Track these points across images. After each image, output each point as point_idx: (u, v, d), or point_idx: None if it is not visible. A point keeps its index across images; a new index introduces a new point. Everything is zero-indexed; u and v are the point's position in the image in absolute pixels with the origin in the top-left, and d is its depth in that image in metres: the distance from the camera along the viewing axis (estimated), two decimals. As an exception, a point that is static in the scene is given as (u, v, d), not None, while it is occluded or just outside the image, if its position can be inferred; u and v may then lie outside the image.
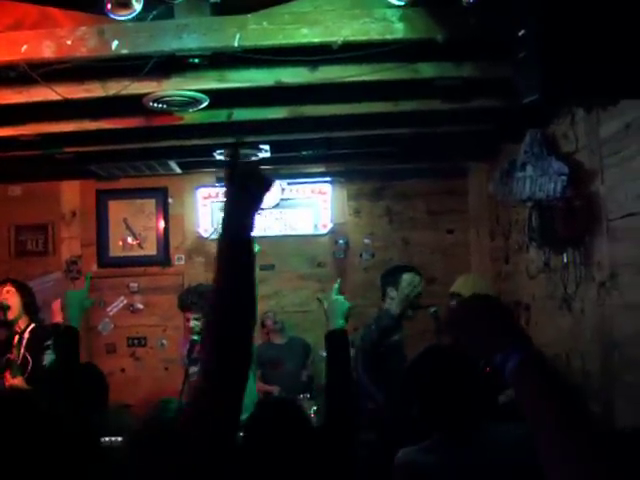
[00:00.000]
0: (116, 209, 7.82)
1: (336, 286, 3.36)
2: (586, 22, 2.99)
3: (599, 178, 4.64)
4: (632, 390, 4.22)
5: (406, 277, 5.40)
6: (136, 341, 7.71)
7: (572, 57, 2.98)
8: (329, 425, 2.95)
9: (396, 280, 5.41)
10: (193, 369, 4.65)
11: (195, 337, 4.72)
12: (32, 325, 5.37)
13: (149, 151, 6.34)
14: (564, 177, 4.89)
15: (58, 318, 4.11)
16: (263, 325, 7.26)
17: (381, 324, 5.27)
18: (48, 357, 4.88)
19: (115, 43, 3.59)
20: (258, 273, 6.70)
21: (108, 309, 7.75)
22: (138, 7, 3.45)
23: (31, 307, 5.46)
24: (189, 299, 4.94)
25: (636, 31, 3.01)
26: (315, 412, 5.50)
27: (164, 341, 7.51)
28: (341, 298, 3.24)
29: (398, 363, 4.85)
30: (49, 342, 4.97)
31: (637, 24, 3.01)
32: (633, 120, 4.12)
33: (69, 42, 3.64)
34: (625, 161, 4.28)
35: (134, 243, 7.84)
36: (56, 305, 4.20)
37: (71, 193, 7.86)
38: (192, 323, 4.79)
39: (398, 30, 3.61)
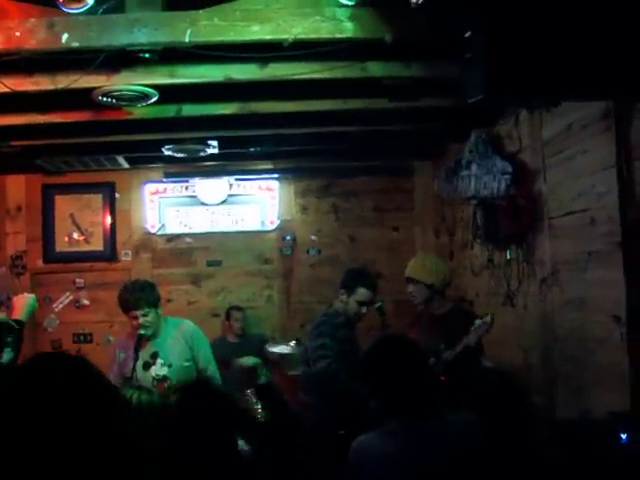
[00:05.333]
0: (62, 204, 7.75)
1: None
2: (529, 26, 3.09)
3: (541, 177, 4.77)
4: (571, 382, 4.35)
5: (361, 292, 5.07)
6: (82, 337, 7.67)
7: (516, 59, 3.07)
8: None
9: (352, 288, 5.10)
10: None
11: (142, 331, 4.70)
12: None
13: (97, 146, 6.29)
14: (508, 176, 5.00)
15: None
16: (228, 318, 7.31)
17: (334, 323, 5.06)
18: (6, 355, 4.76)
19: (65, 36, 3.56)
20: (205, 269, 6.70)
21: (54, 305, 7.69)
22: (90, 0, 3.45)
23: None
24: (134, 297, 4.78)
25: (574, 36, 3.12)
26: (262, 408, 5.54)
27: (110, 337, 7.45)
28: None
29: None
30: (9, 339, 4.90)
31: (575, 29, 3.12)
32: (574, 121, 4.25)
33: (18, 34, 3.59)
34: (566, 161, 4.41)
35: (80, 239, 7.77)
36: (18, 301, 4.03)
37: (16, 187, 7.76)
38: (141, 320, 4.73)
39: (348, 29, 3.65)
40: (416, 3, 2.93)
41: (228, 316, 7.38)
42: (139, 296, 4.75)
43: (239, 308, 7.43)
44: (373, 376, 3.08)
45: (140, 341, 4.65)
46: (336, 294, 5.22)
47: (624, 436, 3.01)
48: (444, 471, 2.80)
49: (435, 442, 2.85)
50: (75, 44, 3.59)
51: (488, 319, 4.44)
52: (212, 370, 4.98)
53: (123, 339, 5.12)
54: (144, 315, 4.71)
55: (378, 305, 5.06)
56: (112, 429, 1.54)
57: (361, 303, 5.03)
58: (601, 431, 3.28)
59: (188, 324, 5.02)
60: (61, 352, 4.16)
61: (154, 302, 4.79)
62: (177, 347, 4.86)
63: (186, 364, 4.83)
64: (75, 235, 7.79)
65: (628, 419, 3.42)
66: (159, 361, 4.76)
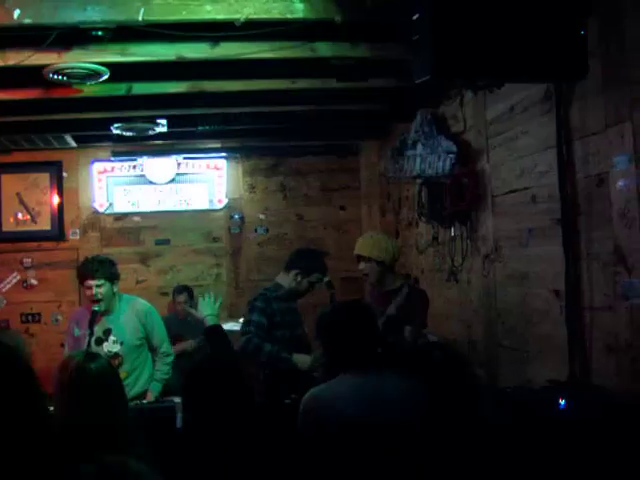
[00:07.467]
0: (9, 183, 7.68)
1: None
2: (476, 10, 3.20)
3: (485, 157, 4.92)
4: (512, 354, 4.52)
5: (317, 275, 5.07)
6: (30, 317, 7.61)
7: (462, 41, 3.18)
8: None
9: (309, 272, 5.07)
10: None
11: (96, 307, 4.72)
12: None
13: (45, 124, 6.24)
14: (452, 155, 5.13)
15: None
16: (173, 299, 7.25)
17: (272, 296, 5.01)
18: None
19: (17, 12, 3.53)
20: (154, 247, 6.60)
21: (1, 285, 7.62)
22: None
23: None
24: (90, 267, 4.83)
25: (518, 20, 3.25)
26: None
27: (59, 317, 7.45)
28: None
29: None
30: None
31: (519, 13, 3.25)
32: (516, 103, 4.40)
33: (-32, 9, 3.58)
34: (509, 141, 4.56)
35: (25, 218, 7.71)
36: None
37: (-39, 166, 7.65)
38: (95, 290, 4.74)
39: (298, 10, 3.72)
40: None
41: (173, 297, 7.35)
42: (97, 267, 4.81)
43: (183, 290, 7.27)
44: (326, 333, 3.23)
45: (95, 317, 4.67)
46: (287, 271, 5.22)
47: (562, 402, 3.18)
48: (383, 423, 2.93)
49: (378, 393, 3.00)
50: (27, 20, 3.56)
51: (405, 289, 4.66)
52: (166, 347, 5.05)
53: (79, 312, 5.14)
54: (98, 286, 4.73)
55: (327, 280, 5.13)
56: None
57: (313, 284, 5.12)
58: (541, 398, 3.45)
59: (141, 303, 5.07)
60: None
61: (111, 276, 4.82)
62: (130, 324, 4.90)
63: (138, 342, 4.89)
64: (20, 215, 7.72)
65: (566, 387, 3.60)
66: (111, 338, 4.80)
